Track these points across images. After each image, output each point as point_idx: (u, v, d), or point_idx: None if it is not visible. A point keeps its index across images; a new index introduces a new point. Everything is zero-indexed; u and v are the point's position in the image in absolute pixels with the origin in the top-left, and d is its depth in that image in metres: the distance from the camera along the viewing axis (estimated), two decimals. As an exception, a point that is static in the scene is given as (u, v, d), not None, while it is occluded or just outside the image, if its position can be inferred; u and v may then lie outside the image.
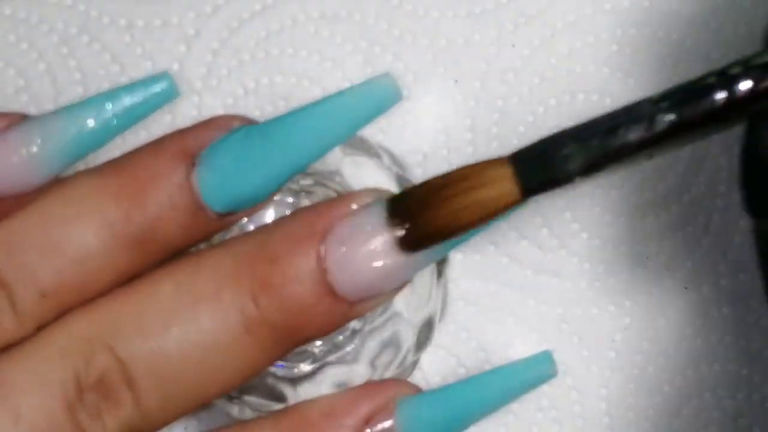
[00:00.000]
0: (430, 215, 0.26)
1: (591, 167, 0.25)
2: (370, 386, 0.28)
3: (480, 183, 0.26)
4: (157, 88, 0.28)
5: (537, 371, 0.27)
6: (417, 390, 0.27)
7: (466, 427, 0.27)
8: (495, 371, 0.27)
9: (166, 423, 0.27)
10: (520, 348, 0.37)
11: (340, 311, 0.26)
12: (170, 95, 0.28)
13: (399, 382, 0.27)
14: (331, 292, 0.26)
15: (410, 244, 0.26)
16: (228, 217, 0.27)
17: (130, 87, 0.28)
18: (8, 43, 0.38)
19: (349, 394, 0.27)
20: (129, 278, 0.27)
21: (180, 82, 0.37)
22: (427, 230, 0.26)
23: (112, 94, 0.27)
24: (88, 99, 0.28)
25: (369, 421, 0.27)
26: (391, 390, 0.27)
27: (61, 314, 0.27)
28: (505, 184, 0.25)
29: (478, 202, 0.26)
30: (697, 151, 0.37)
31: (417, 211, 0.26)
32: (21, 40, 0.38)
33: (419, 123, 0.38)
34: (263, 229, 0.27)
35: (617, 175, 0.38)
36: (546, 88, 0.38)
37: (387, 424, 0.27)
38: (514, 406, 0.37)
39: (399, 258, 0.26)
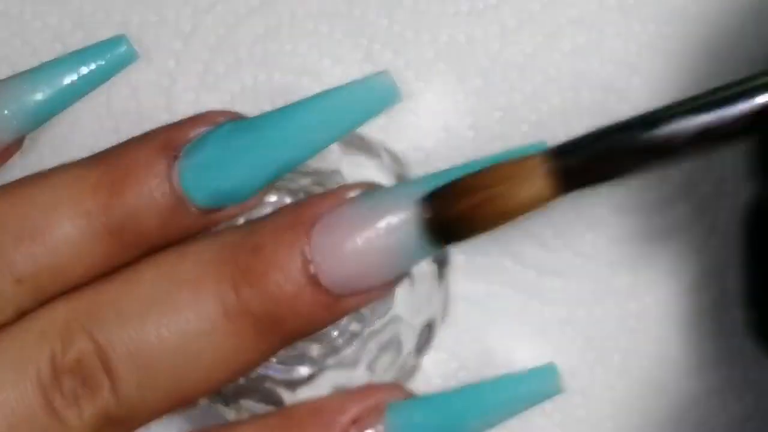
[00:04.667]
0: (465, 212, 0.25)
1: (638, 165, 0.25)
2: (362, 388, 0.28)
3: (515, 181, 0.25)
4: (115, 50, 0.28)
5: (539, 384, 0.27)
6: (410, 395, 0.27)
7: None
8: (494, 380, 0.27)
9: (147, 415, 0.27)
10: (524, 350, 0.37)
11: (324, 304, 0.26)
12: (128, 58, 0.28)
13: (392, 385, 0.27)
14: (314, 282, 0.26)
15: (437, 233, 0.26)
16: (212, 214, 0.27)
17: (89, 50, 0.28)
18: (1, 39, 0.38)
19: (340, 395, 0.27)
20: (111, 270, 0.27)
21: (176, 79, 0.38)
22: (458, 227, 0.25)
23: (70, 57, 0.28)
24: (46, 63, 0.28)
25: (357, 422, 0.27)
26: (382, 393, 0.27)
27: (43, 302, 0.27)
28: (541, 182, 0.25)
29: (512, 204, 0.25)
30: (703, 149, 0.37)
31: (453, 206, 0.25)
32: (14, 36, 0.38)
33: (420, 121, 0.38)
34: (251, 222, 0.27)
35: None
36: (549, 85, 0.38)
37: (375, 426, 0.27)
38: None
39: (384, 251, 0.26)
